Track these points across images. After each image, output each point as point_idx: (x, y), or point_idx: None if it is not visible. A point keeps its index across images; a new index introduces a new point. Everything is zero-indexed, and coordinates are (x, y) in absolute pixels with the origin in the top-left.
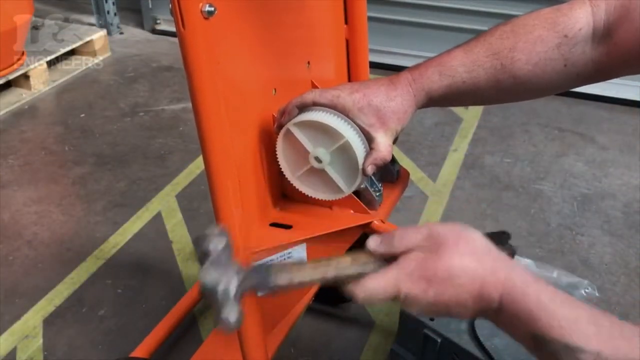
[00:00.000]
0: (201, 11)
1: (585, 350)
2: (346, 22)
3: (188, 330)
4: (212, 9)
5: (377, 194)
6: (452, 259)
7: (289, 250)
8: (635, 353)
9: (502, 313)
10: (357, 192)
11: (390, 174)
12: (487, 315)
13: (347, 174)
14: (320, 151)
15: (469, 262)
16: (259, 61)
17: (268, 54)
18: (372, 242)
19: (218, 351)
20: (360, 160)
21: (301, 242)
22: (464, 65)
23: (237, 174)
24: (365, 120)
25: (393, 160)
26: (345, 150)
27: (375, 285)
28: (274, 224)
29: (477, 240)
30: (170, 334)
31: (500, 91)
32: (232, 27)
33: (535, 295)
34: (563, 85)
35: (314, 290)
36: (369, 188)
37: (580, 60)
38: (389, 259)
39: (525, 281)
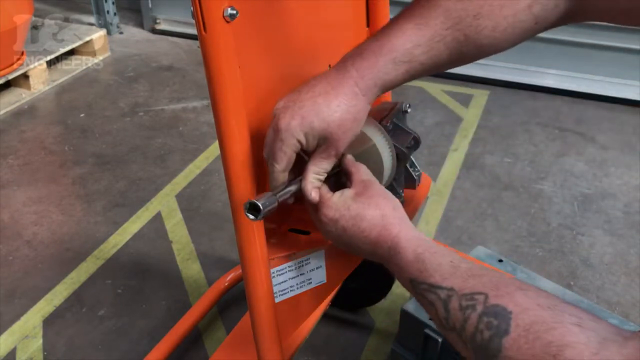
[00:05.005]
0: (223, 15)
1: (442, 287)
2: (368, 25)
3: (192, 346)
4: (235, 12)
5: (399, 200)
6: (366, 209)
7: (307, 256)
8: (479, 287)
9: (390, 261)
10: None
11: (411, 180)
12: (381, 261)
13: None
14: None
15: (374, 215)
16: (280, 64)
17: (289, 57)
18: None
19: (234, 356)
20: (386, 165)
21: (319, 248)
22: (420, 45)
23: (256, 178)
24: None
25: (414, 166)
26: (370, 154)
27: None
28: (292, 230)
29: (391, 202)
30: (174, 349)
31: (461, 61)
32: (253, 30)
33: (412, 249)
34: (526, 39)
35: (330, 297)
36: None
37: (553, 15)
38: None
39: (408, 238)
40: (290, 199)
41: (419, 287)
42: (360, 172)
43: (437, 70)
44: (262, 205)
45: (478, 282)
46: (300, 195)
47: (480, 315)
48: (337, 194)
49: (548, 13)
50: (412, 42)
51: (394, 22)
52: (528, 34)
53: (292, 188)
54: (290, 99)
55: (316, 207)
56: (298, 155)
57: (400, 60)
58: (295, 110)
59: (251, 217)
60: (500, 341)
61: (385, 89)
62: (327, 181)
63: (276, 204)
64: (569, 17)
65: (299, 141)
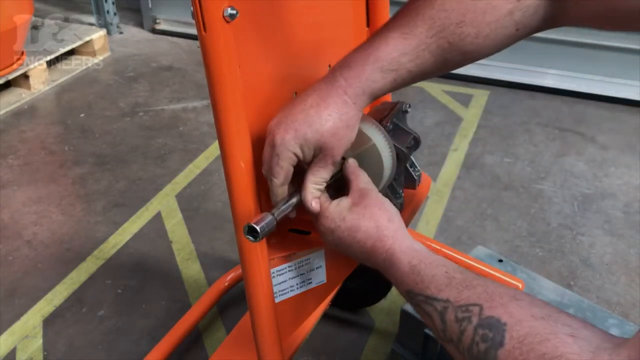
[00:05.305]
0: (223, 15)
1: (437, 299)
2: (368, 25)
3: (192, 346)
4: (235, 12)
5: (399, 200)
6: (361, 220)
7: (308, 256)
8: (474, 298)
9: (386, 271)
10: None
11: (411, 180)
12: (378, 269)
13: (370, 178)
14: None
15: (369, 226)
16: (280, 64)
17: (289, 57)
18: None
19: (234, 356)
20: (386, 165)
21: (319, 248)
22: (407, 53)
23: (256, 178)
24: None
25: (414, 166)
26: (370, 154)
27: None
28: (292, 230)
29: (387, 213)
30: (174, 349)
31: (446, 68)
32: (253, 29)
33: (407, 261)
34: (509, 45)
35: (330, 297)
36: (390, 194)
37: (533, 21)
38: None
39: (402, 250)
40: (292, 213)
41: (416, 299)
42: (359, 179)
43: (424, 78)
44: (260, 228)
45: (473, 293)
46: (302, 206)
47: (476, 328)
48: (334, 203)
49: (528, 19)
50: (399, 50)
51: (379, 32)
52: (510, 40)
53: (294, 200)
54: (283, 114)
55: (316, 216)
56: (298, 167)
57: (388, 68)
58: (289, 124)
59: (250, 238)
60: (496, 353)
61: (374, 96)
62: (329, 186)
63: (275, 223)
64: (548, 23)
65: (295, 154)
